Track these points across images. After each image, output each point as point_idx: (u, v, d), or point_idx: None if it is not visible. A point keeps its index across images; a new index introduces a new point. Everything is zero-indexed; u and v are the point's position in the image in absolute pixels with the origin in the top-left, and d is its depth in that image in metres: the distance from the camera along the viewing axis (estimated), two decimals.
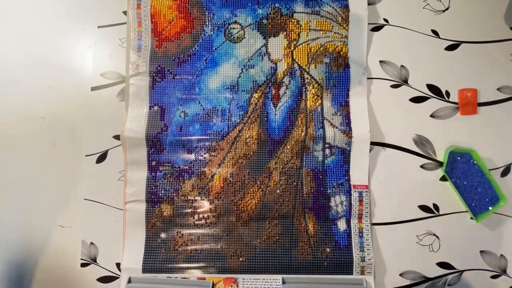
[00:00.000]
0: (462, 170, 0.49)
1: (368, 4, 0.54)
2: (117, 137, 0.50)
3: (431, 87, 0.52)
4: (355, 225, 0.50)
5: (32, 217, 0.49)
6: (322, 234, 0.49)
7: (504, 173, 0.50)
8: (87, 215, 0.50)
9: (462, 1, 0.54)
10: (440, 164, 0.51)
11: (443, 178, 0.51)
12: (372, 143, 0.51)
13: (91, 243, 0.49)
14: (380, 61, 0.53)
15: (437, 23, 0.54)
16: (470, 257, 0.49)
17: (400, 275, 0.49)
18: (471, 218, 0.49)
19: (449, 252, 0.48)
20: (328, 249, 0.49)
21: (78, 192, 0.50)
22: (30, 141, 0.50)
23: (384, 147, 0.51)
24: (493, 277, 0.49)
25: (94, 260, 0.49)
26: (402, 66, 0.53)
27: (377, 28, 0.54)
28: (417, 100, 0.52)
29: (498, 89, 0.52)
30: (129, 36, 0.52)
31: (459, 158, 0.49)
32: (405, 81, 0.52)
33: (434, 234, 0.50)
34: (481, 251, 0.49)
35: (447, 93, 0.52)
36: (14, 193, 0.50)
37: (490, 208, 0.48)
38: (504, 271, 0.49)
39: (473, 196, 0.48)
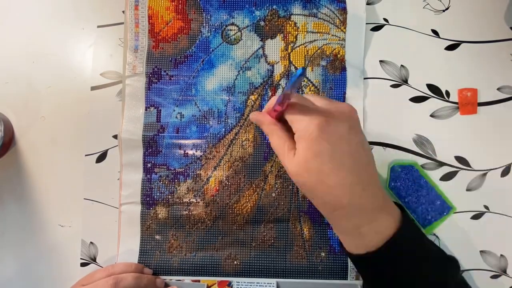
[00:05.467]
0: (406, 183, 0.41)
1: (368, 4, 0.45)
2: (116, 137, 0.42)
3: (431, 87, 0.43)
4: None
5: (32, 217, 0.42)
6: (317, 238, 0.41)
7: (504, 173, 0.42)
8: (87, 214, 0.42)
9: (462, 1, 0.45)
10: (440, 164, 0.42)
11: (443, 178, 0.42)
12: (372, 143, 0.43)
13: (91, 242, 0.42)
14: (380, 61, 0.44)
15: (437, 23, 0.44)
16: (470, 257, 0.41)
17: None
18: None
19: (449, 252, 0.40)
20: (323, 254, 0.40)
21: (77, 192, 0.42)
22: (30, 140, 0.42)
23: (384, 147, 0.42)
24: (493, 277, 0.41)
25: (94, 259, 0.41)
26: (402, 66, 0.44)
27: (377, 28, 0.45)
28: (417, 100, 0.43)
29: (498, 89, 0.43)
30: (126, 36, 0.43)
31: (402, 172, 0.41)
32: (405, 81, 0.44)
33: (434, 234, 0.42)
34: (481, 251, 0.41)
35: (447, 93, 0.43)
36: (14, 193, 0.42)
37: (440, 217, 0.41)
38: (504, 271, 0.41)
39: (421, 207, 0.41)
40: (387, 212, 0.30)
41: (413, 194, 0.40)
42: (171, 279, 0.40)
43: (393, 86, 0.43)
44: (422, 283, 0.29)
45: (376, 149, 0.42)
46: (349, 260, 0.39)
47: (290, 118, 0.30)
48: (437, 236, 0.41)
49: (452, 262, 0.32)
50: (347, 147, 0.29)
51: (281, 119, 0.31)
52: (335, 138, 0.28)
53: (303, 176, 0.29)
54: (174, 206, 0.40)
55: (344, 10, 0.43)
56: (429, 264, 0.30)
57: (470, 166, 0.42)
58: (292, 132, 0.30)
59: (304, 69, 0.25)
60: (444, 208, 0.41)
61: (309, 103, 0.30)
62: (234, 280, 0.39)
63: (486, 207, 0.41)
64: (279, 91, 0.42)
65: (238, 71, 0.42)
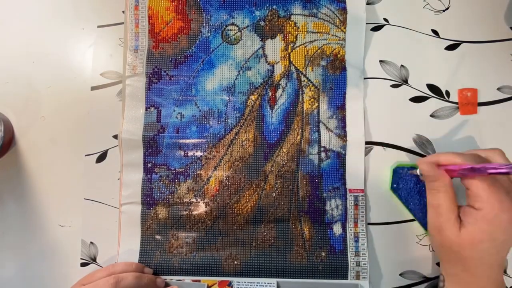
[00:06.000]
0: (409, 185, 0.41)
1: (368, 4, 0.45)
2: (116, 137, 0.42)
3: (431, 87, 0.43)
4: (350, 230, 0.41)
5: (32, 217, 0.41)
6: (317, 238, 0.40)
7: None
8: (87, 214, 0.42)
9: (462, 1, 0.45)
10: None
11: None
12: (372, 143, 0.43)
13: (91, 242, 0.41)
14: (380, 61, 0.44)
15: (437, 23, 0.44)
16: None
17: (400, 275, 0.41)
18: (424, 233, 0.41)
19: None
20: (323, 253, 0.40)
21: (77, 192, 0.42)
22: (30, 140, 0.42)
23: (384, 147, 0.42)
24: None
25: (94, 259, 0.41)
26: (402, 66, 0.44)
27: (377, 28, 0.45)
28: (417, 100, 0.43)
29: (498, 89, 0.43)
30: (126, 36, 0.43)
31: (404, 174, 0.41)
32: (405, 81, 0.44)
33: None
34: None
35: (447, 93, 0.43)
36: (14, 193, 0.42)
37: None
38: (504, 271, 0.41)
39: (423, 210, 0.40)
40: None
41: (415, 196, 0.40)
42: (171, 279, 0.39)
43: (393, 86, 0.43)
44: None
45: (376, 149, 0.42)
46: (349, 259, 0.39)
47: (477, 191, 0.30)
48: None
49: None
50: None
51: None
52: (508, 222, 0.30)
53: (464, 249, 0.31)
54: (175, 206, 0.40)
55: (344, 10, 0.43)
56: None
57: None
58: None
59: None
60: None
61: (506, 185, 0.31)
62: (234, 280, 0.39)
63: None
64: (279, 92, 0.42)
65: (238, 71, 0.42)
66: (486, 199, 0.30)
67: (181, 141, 0.41)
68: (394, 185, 0.41)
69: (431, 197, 0.33)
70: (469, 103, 0.42)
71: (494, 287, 0.32)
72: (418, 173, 0.37)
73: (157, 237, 0.40)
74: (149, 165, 0.41)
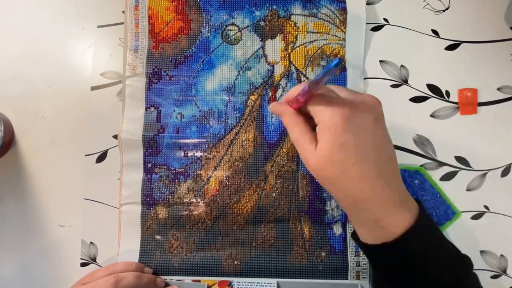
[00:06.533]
0: (412, 188, 0.41)
1: (368, 4, 0.45)
2: (116, 137, 0.42)
3: (431, 87, 0.43)
4: (350, 230, 0.41)
5: (32, 217, 0.41)
6: (317, 238, 0.41)
7: (504, 173, 0.42)
8: (87, 214, 0.42)
9: (462, 1, 0.45)
10: (441, 164, 0.42)
11: (443, 178, 0.42)
12: None
13: (91, 242, 0.41)
14: (380, 61, 0.44)
15: (437, 23, 0.44)
16: (470, 257, 0.40)
17: None
18: None
19: None
20: (323, 253, 0.40)
21: (77, 192, 0.42)
22: (30, 140, 0.42)
23: None
24: (493, 277, 0.41)
25: (94, 259, 0.41)
26: (402, 66, 0.44)
27: (377, 28, 0.45)
28: (417, 100, 0.43)
29: (498, 89, 0.43)
30: (126, 37, 0.43)
31: (407, 177, 0.41)
32: (405, 81, 0.44)
33: None
34: (481, 251, 0.41)
35: (447, 93, 0.43)
36: (14, 193, 0.42)
37: (445, 223, 0.41)
38: (504, 271, 0.41)
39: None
40: (407, 207, 0.29)
41: (418, 198, 0.40)
42: (171, 279, 0.39)
43: (393, 86, 0.43)
44: (434, 278, 0.29)
45: None
46: (349, 260, 0.39)
47: (313, 109, 0.29)
48: None
49: (466, 261, 0.31)
50: (371, 139, 0.28)
51: (300, 111, 0.31)
52: (360, 129, 0.28)
53: (326, 169, 0.28)
54: (175, 206, 0.40)
55: (344, 10, 0.43)
56: (443, 260, 0.29)
57: (470, 166, 0.42)
58: (312, 124, 0.29)
59: (340, 59, 0.24)
60: (449, 214, 0.41)
61: (333, 94, 0.30)
62: (234, 280, 0.39)
63: (486, 207, 0.41)
64: (279, 92, 0.42)
65: (238, 71, 0.42)
66: (322, 110, 0.28)
67: (181, 141, 0.41)
68: None
69: (289, 134, 0.31)
70: (469, 103, 0.42)
71: (380, 201, 0.28)
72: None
73: (157, 237, 0.40)
74: (149, 165, 0.41)
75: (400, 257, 0.29)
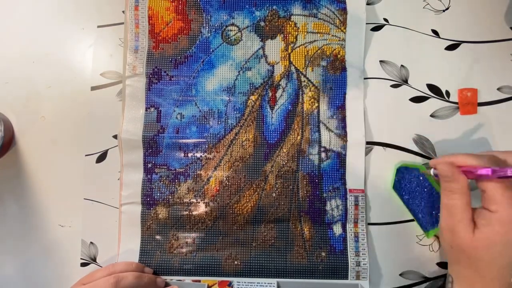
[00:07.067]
0: (411, 186, 0.41)
1: (368, 4, 0.45)
2: (116, 137, 0.42)
3: (431, 87, 0.43)
4: (350, 230, 0.41)
5: (32, 217, 0.41)
6: (317, 238, 0.41)
7: None
8: (87, 214, 0.42)
9: (462, 1, 0.45)
10: None
11: None
12: (373, 143, 0.43)
13: (91, 242, 0.41)
14: (380, 61, 0.44)
15: (437, 23, 0.44)
16: None
17: (400, 275, 0.41)
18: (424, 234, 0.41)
19: None
20: (323, 254, 0.40)
21: (77, 192, 0.42)
22: (30, 140, 0.42)
23: (384, 147, 0.42)
24: None
25: (94, 259, 0.41)
26: (402, 66, 0.44)
27: (377, 28, 0.45)
28: (417, 100, 0.43)
29: (498, 89, 0.43)
30: (126, 37, 0.43)
31: (407, 174, 0.41)
32: (405, 81, 0.44)
33: (436, 236, 0.41)
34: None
35: (447, 93, 0.43)
36: (14, 193, 0.42)
37: None
38: None
39: (424, 211, 0.40)
40: None
41: (417, 196, 0.40)
42: (171, 279, 0.40)
43: (393, 86, 0.43)
44: None
45: (376, 149, 0.42)
46: (349, 260, 0.39)
47: (494, 195, 0.30)
48: (437, 236, 0.41)
49: None
50: None
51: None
52: None
53: (478, 250, 0.31)
54: (175, 206, 0.40)
55: (344, 10, 0.43)
56: None
57: None
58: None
59: None
60: None
61: None
62: (234, 280, 0.39)
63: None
64: (279, 92, 0.42)
65: (238, 72, 0.42)
66: (502, 202, 0.30)
67: (181, 141, 0.41)
68: (397, 184, 0.41)
69: (446, 197, 0.33)
70: (469, 103, 0.42)
71: None
72: (432, 173, 0.37)
73: (157, 237, 0.40)
74: (149, 165, 0.41)
75: None
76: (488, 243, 0.30)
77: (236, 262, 0.39)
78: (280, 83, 0.42)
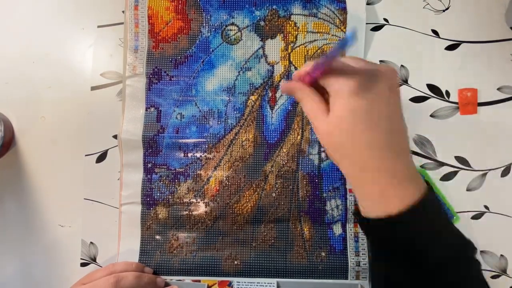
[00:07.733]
0: None
1: (368, 4, 0.45)
2: (116, 137, 0.42)
3: (431, 87, 0.43)
4: (350, 230, 0.41)
5: (32, 217, 0.42)
6: (317, 238, 0.41)
7: (504, 173, 0.42)
8: (87, 214, 0.42)
9: (462, 1, 0.45)
10: (441, 164, 0.42)
11: (443, 178, 0.42)
12: None
13: (91, 242, 0.42)
14: (380, 61, 0.44)
15: (437, 23, 0.44)
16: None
17: None
18: None
19: None
20: (323, 253, 0.40)
21: (77, 192, 0.42)
22: (30, 140, 0.42)
23: None
24: (493, 277, 0.41)
25: (94, 259, 0.41)
26: (402, 66, 0.44)
27: (377, 28, 0.45)
28: (417, 100, 0.43)
29: (498, 89, 0.43)
30: (126, 37, 0.43)
31: None
32: (405, 81, 0.44)
33: None
34: (481, 251, 0.41)
35: (447, 93, 0.43)
36: (14, 193, 0.42)
37: None
38: (504, 271, 0.41)
39: None
40: (416, 183, 0.28)
41: None
42: (171, 279, 0.40)
43: None
44: (437, 258, 0.27)
45: None
46: (349, 259, 0.39)
47: (327, 81, 0.28)
48: None
49: (470, 245, 0.30)
50: (385, 107, 0.27)
51: (313, 86, 0.30)
52: (373, 97, 0.27)
53: (334, 134, 0.28)
54: (175, 206, 0.40)
55: (344, 10, 0.43)
56: (448, 240, 0.28)
57: (470, 166, 0.42)
58: (325, 98, 0.29)
59: (354, 32, 0.23)
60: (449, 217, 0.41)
61: (347, 66, 0.28)
62: (234, 280, 0.39)
63: (486, 207, 0.41)
64: (279, 92, 0.42)
65: (238, 72, 0.42)
66: (334, 81, 0.28)
67: (181, 141, 0.41)
68: None
69: (303, 108, 0.31)
70: (469, 103, 0.42)
71: (387, 174, 0.27)
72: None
73: (157, 237, 0.40)
74: (149, 165, 0.41)
75: (403, 232, 0.28)
76: (338, 122, 0.27)
77: (236, 262, 0.40)
78: (280, 83, 0.42)
